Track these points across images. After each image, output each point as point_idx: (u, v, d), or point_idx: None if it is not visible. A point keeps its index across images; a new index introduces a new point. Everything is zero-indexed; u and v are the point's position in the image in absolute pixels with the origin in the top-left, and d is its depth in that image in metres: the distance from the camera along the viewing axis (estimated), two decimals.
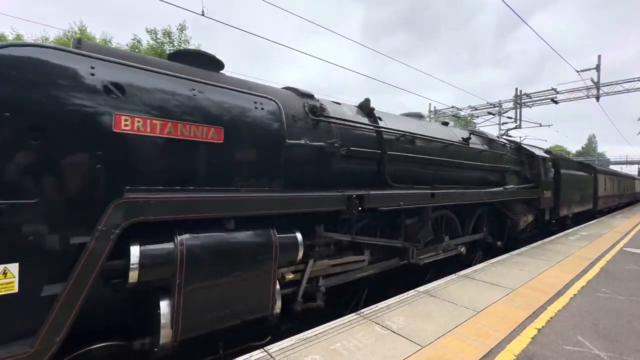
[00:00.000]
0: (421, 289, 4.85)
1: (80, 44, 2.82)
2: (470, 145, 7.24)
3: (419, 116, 7.10)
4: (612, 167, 41.32)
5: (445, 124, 8.22)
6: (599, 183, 16.24)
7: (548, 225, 10.90)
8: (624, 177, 27.00)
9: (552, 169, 10.70)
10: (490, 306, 4.23)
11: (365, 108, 5.30)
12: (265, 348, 3.04)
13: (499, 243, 8.16)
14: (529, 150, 9.91)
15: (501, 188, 7.89)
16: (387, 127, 5.28)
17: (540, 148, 11.22)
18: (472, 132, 7.85)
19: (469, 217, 7.18)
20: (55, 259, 2.26)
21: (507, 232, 8.77)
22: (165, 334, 2.58)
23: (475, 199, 6.64)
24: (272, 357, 2.89)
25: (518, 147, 9.95)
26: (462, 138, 6.99)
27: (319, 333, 3.35)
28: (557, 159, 11.35)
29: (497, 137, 9.64)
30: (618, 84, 18.04)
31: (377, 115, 5.32)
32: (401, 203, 4.79)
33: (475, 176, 7.33)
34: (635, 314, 4.18)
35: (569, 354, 3.12)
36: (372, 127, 5.01)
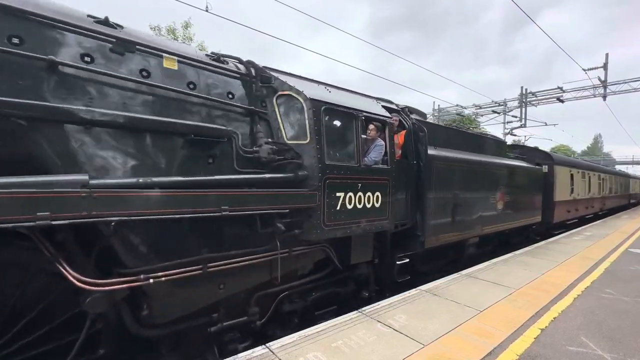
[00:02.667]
0: (423, 287, 4.83)
1: None
2: None
3: None
4: (618, 168, 40.85)
5: None
6: (557, 180, 10.57)
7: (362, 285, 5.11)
8: (611, 173, 20.22)
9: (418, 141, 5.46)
10: (492, 305, 4.20)
11: None
12: (267, 345, 3.04)
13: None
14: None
15: None
16: None
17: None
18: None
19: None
20: None
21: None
22: None
23: None
24: (273, 353, 2.89)
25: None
26: None
27: (321, 330, 3.35)
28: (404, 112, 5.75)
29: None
30: (625, 82, 17.78)
31: None
32: None
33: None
34: None
35: (573, 354, 3.09)
36: None
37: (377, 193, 4.36)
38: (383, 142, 4.59)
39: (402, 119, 5.50)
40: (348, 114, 4.16)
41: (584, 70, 17.14)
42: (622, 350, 3.22)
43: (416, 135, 5.44)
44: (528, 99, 20.78)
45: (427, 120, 6.53)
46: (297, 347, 3.00)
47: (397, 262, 5.09)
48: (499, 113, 22.71)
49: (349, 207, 3.99)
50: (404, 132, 5.40)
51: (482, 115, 24.51)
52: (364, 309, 3.95)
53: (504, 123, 22.65)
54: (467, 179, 6.36)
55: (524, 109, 20.89)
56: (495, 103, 22.79)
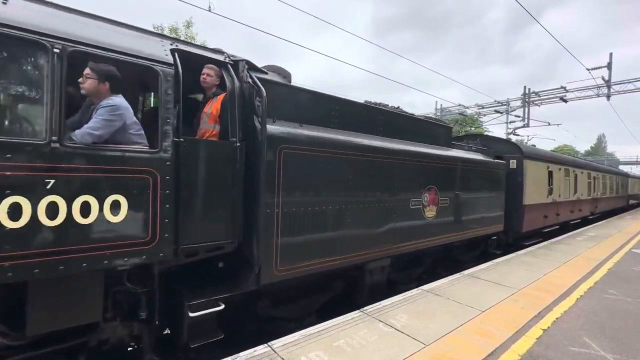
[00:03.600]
0: (425, 287, 4.83)
1: None
2: None
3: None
4: (622, 168, 40.59)
5: None
6: (527, 178, 8.38)
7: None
8: (605, 171, 17.51)
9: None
10: (495, 306, 4.20)
11: None
12: (269, 343, 3.05)
13: None
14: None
15: None
16: None
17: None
18: None
19: None
20: None
21: None
22: None
23: None
24: (275, 352, 2.90)
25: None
26: None
27: (322, 330, 3.36)
28: None
29: None
30: (630, 82, 17.65)
31: None
32: None
33: None
34: None
35: (575, 355, 3.09)
36: None
37: (118, 197, 2.51)
38: (118, 101, 2.65)
39: (224, 75, 3.49)
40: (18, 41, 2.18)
41: (588, 69, 17.03)
42: (625, 351, 3.21)
43: (249, 103, 3.46)
44: (531, 99, 20.68)
45: (296, 85, 4.34)
46: (299, 346, 3.02)
47: (193, 314, 2.96)
48: (501, 113, 22.62)
49: (23, 224, 2.14)
50: (222, 95, 3.45)
51: (484, 115, 24.44)
52: (365, 308, 3.95)
53: (506, 123, 22.56)
54: (362, 175, 4.34)
55: (526, 109, 20.80)
56: (498, 103, 22.70)
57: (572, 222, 12.33)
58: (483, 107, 23.47)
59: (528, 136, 22.43)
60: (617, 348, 3.26)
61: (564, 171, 11.23)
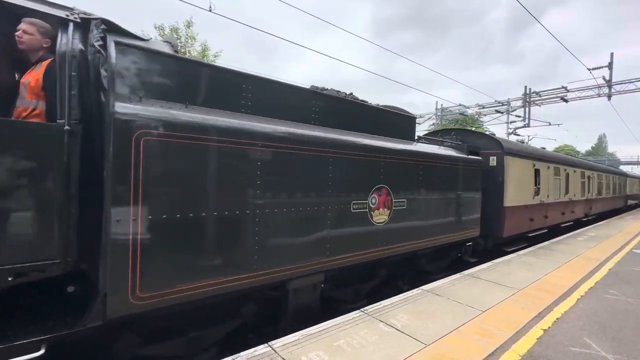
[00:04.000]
0: (426, 287, 4.83)
1: None
2: None
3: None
4: (623, 168, 40.51)
5: None
6: (509, 177, 7.63)
7: None
8: (601, 170, 16.43)
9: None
10: (495, 306, 4.19)
11: None
12: (269, 343, 3.05)
13: None
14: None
15: None
16: None
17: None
18: None
19: None
20: None
21: None
22: None
23: None
24: (275, 352, 2.90)
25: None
26: None
27: (323, 330, 3.36)
28: None
29: None
30: (630, 82, 17.63)
31: None
32: None
33: None
34: None
35: (576, 355, 3.08)
36: None
37: None
38: None
39: (60, 35, 2.58)
40: None
41: (589, 69, 17.02)
42: (626, 351, 3.20)
43: (96, 73, 2.66)
44: (532, 99, 20.66)
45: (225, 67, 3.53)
46: (299, 346, 3.02)
47: None
48: (502, 113, 22.61)
49: None
50: (48, 61, 2.59)
51: (485, 115, 24.43)
52: (366, 308, 3.95)
53: (507, 123, 22.56)
54: (278, 171, 3.49)
55: (527, 109, 20.78)
56: (499, 103, 22.69)
57: (563, 225, 11.38)
58: (484, 107, 23.46)
59: (529, 136, 22.45)
60: (618, 348, 3.25)
61: (554, 170, 10.41)
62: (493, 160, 7.59)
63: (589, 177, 13.96)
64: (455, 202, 6.08)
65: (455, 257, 6.87)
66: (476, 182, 6.68)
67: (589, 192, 13.92)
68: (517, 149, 8.56)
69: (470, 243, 6.89)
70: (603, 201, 16.38)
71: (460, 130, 8.85)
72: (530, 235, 8.93)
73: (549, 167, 9.97)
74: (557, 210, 10.70)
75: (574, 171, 12.27)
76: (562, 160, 11.72)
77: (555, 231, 10.70)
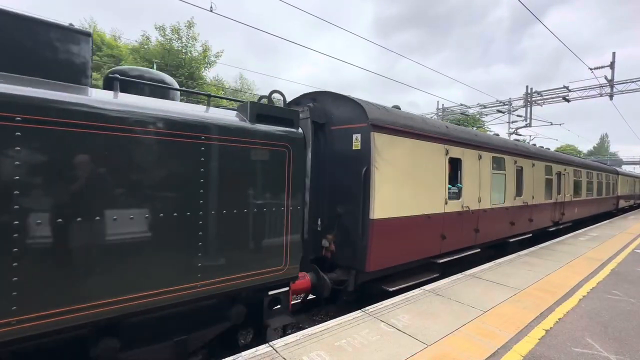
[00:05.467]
0: (427, 287, 4.82)
1: None
2: None
3: None
4: (625, 168, 40.35)
5: None
6: (379, 169, 4.67)
7: None
8: (579, 165, 13.37)
9: None
10: (497, 306, 4.19)
11: None
12: (271, 343, 3.06)
13: None
14: None
15: None
16: None
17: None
18: None
19: None
20: None
21: None
22: None
23: None
24: (277, 352, 2.91)
25: None
26: None
27: (324, 329, 3.36)
28: None
29: None
30: (633, 82, 17.56)
31: None
32: None
33: None
34: None
35: (578, 356, 3.07)
36: None
37: None
38: None
39: None
40: None
41: (590, 69, 16.98)
42: (628, 352, 3.19)
43: None
44: (533, 99, 20.61)
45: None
46: (301, 346, 3.02)
47: None
48: (503, 112, 22.56)
49: None
50: None
51: (486, 115, 24.39)
52: (367, 308, 3.95)
53: (508, 122, 22.50)
54: None
55: (529, 109, 20.73)
56: (500, 102, 22.65)
57: (512, 241, 8.28)
58: (485, 107, 23.42)
59: (530, 136, 22.35)
60: (620, 349, 3.24)
61: (492, 160, 7.31)
62: (357, 141, 4.76)
63: (559, 174, 11.04)
64: (220, 214, 3.09)
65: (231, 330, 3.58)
66: (275, 178, 3.54)
67: (559, 194, 10.98)
68: (398, 122, 5.10)
69: (274, 293, 3.65)
70: (582, 204, 13.33)
71: (320, 93, 5.43)
72: (442, 261, 5.81)
73: (481, 157, 6.91)
74: (499, 220, 7.67)
75: (533, 164, 9.15)
76: (510, 148, 8.30)
77: (502, 249, 7.93)
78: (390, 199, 4.87)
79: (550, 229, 10.71)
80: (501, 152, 7.79)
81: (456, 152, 6.25)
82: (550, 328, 3.61)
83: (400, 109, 5.95)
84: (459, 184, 6.39)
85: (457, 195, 6.33)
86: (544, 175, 9.97)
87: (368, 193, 4.59)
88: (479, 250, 6.90)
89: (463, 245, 6.51)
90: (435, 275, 5.69)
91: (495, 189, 7.41)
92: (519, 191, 8.49)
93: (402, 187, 5.08)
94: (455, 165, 6.40)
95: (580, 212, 13.17)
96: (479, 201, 6.86)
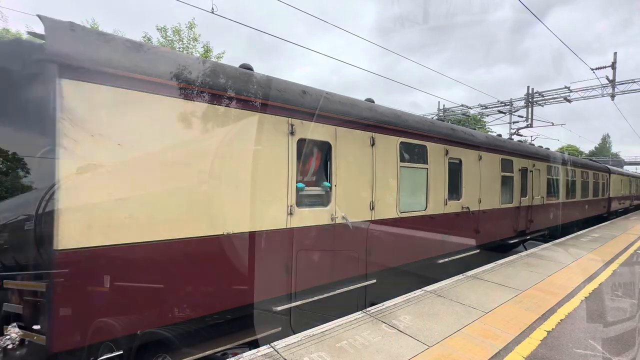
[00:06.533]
0: (428, 288, 4.82)
1: None
2: None
3: None
4: (627, 168, 40.23)
5: None
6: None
7: None
8: (558, 161, 11.09)
9: None
10: (498, 307, 4.18)
11: None
12: (272, 344, 3.06)
13: None
14: None
15: None
16: None
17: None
18: None
19: None
20: None
21: None
22: None
23: None
24: (278, 353, 2.91)
25: None
26: None
27: (326, 331, 3.36)
28: None
29: None
30: (634, 82, 17.52)
31: None
32: None
33: None
34: None
35: (579, 357, 3.06)
36: None
37: None
38: None
39: None
40: None
41: (592, 69, 16.95)
42: (630, 353, 3.18)
43: None
44: (535, 99, 20.58)
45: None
46: (302, 347, 3.02)
47: None
48: (505, 113, 22.53)
49: None
50: None
51: (487, 115, 24.36)
52: (368, 309, 3.95)
53: (510, 123, 22.46)
54: None
55: (530, 109, 20.69)
56: (501, 103, 22.62)
57: (441, 262, 5.90)
58: (486, 107, 23.39)
59: (531, 136, 22.29)
60: (622, 350, 3.23)
61: (400, 147, 5.05)
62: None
63: (524, 170, 8.85)
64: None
65: None
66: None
67: (524, 196, 8.81)
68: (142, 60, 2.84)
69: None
70: (562, 208, 11.10)
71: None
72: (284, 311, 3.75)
73: (374, 142, 4.60)
74: (415, 237, 5.36)
75: (480, 157, 6.93)
76: (437, 133, 5.89)
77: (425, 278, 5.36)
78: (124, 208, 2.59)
79: (512, 241, 8.50)
80: (421, 137, 5.40)
81: (316, 131, 3.69)
82: (552, 329, 3.60)
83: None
84: (326, 183, 4.04)
85: (321, 201, 3.99)
86: (499, 172, 7.68)
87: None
88: (375, 281, 4.50)
89: (346, 275, 4.13)
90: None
91: (406, 189, 5.16)
92: (455, 194, 6.30)
93: (155, 185, 2.77)
94: (322, 155, 4.04)
95: (558, 217, 10.83)
96: (371, 209, 4.44)
